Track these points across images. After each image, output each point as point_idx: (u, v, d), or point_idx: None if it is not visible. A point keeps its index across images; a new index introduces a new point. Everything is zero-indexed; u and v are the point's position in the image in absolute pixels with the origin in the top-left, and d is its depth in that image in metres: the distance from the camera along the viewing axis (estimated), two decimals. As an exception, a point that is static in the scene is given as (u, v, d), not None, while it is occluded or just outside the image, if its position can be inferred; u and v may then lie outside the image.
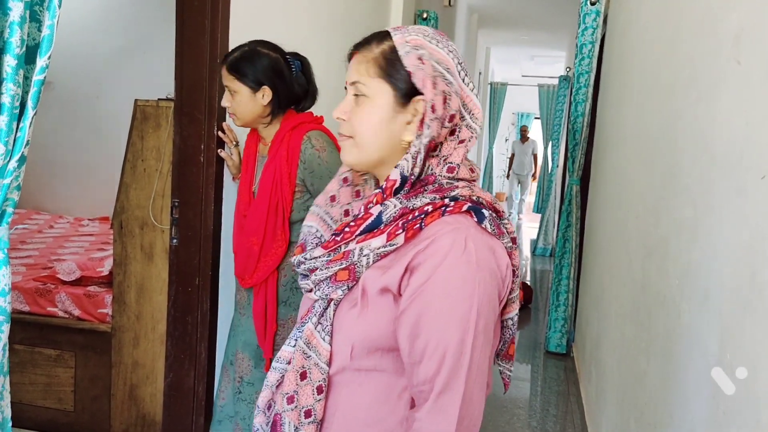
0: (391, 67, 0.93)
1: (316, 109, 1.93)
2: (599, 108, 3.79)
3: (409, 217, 0.90)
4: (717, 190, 1.31)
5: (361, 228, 0.92)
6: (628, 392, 2.10)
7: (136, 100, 2.37)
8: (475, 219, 0.89)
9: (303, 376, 0.92)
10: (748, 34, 1.22)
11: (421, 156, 0.91)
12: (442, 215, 0.88)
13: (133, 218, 2.34)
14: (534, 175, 10.83)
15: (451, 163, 0.94)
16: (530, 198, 11.54)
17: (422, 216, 0.89)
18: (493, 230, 0.89)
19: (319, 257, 0.95)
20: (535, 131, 12.31)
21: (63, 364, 2.58)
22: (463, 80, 0.95)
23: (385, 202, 0.92)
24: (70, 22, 3.63)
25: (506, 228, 0.93)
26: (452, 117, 0.93)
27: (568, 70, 4.81)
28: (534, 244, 7.85)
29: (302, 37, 2.51)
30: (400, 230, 0.89)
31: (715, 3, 1.48)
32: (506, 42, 10.55)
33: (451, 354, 0.84)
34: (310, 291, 0.97)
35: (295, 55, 1.88)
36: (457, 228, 0.87)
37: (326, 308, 0.94)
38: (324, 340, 0.93)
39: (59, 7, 1.03)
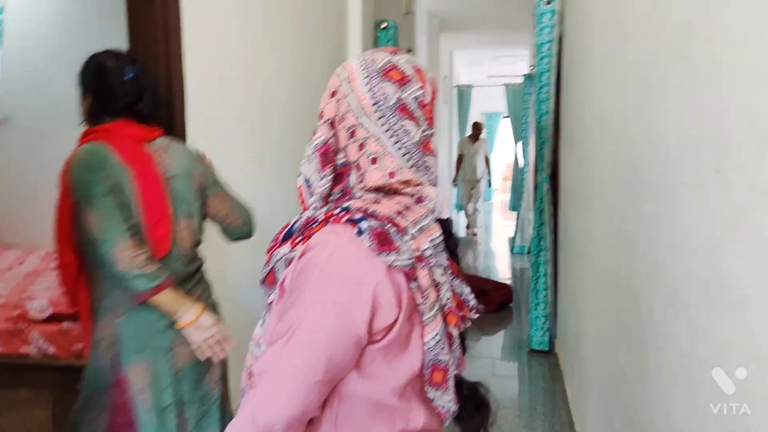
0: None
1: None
2: (563, 105, 3.83)
3: (309, 225, 0.95)
4: (676, 185, 1.33)
5: (282, 235, 0.99)
6: (609, 388, 2.12)
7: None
8: (355, 231, 0.89)
9: (251, 375, 0.93)
10: (694, 29, 1.24)
11: (315, 158, 0.98)
12: (326, 224, 0.92)
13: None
14: (489, 181, 9.46)
15: (360, 171, 0.98)
16: (505, 196, 11.53)
17: (314, 225, 0.94)
18: (371, 245, 0.87)
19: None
20: (505, 130, 12.39)
21: (40, 405, 2.52)
22: (363, 82, 0.97)
23: (304, 212, 0.99)
24: (27, 59, 3.58)
25: (406, 245, 0.90)
26: (344, 118, 0.99)
27: (531, 68, 4.83)
28: (512, 242, 7.89)
29: (261, 55, 2.50)
30: (300, 237, 0.94)
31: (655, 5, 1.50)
32: (469, 44, 10.64)
33: (269, 353, 0.88)
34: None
35: (132, 60, 1.74)
36: (327, 237, 0.89)
37: (267, 312, 0.99)
38: (264, 342, 0.97)
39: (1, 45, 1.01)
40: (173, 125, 1.97)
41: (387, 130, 0.96)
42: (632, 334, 1.75)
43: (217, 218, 1.90)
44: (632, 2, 1.84)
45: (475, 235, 9.02)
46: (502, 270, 7.09)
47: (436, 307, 0.93)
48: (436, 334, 0.92)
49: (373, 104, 0.96)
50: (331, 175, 0.98)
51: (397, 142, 0.96)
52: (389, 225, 0.89)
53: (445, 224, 1.04)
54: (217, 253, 2.11)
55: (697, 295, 1.18)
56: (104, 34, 3.90)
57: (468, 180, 9.06)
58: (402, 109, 0.97)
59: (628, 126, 1.83)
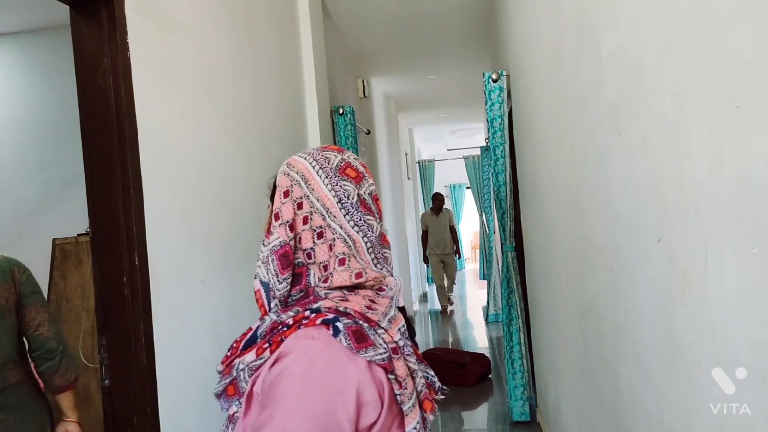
0: (274, 188, 1.03)
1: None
2: (519, 176, 3.94)
3: (276, 330, 0.91)
4: (624, 251, 1.37)
5: (243, 343, 0.94)
6: (591, 457, 2.09)
7: (54, 239, 2.32)
8: (331, 332, 0.87)
9: None
10: (623, 106, 1.31)
11: (272, 261, 0.95)
12: (299, 328, 0.89)
13: (62, 361, 2.22)
14: (457, 252, 8.93)
15: (326, 271, 0.96)
16: (474, 266, 11.56)
17: (284, 329, 0.90)
18: (349, 344, 0.86)
19: (219, 371, 0.97)
20: (469, 201, 12.60)
21: None
22: (324, 182, 0.98)
23: (265, 317, 0.95)
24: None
25: (381, 338, 0.90)
26: (305, 219, 0.97)
27: (486, 141, 4.99)
28: (485, 311, 7.88)
29: (220, 149, 2.54)
30: (267, 344, 0.91)
31: (591, 78, 1.59)
32: (426, 121, 10.98)
33: None
34: (220, 405, 0.98)
35: None
36: (302, 342, 0.86)
37: (228, 425, 0.95)
38: None
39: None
40: (131, 231, 1.96)
41: (354, 226, 0.97)
42: (605, 401, 1.74)
43: (29, 327, 2.01)
44: (567, 82, 1.94)
45: (451, 310, 8.64)
46: (479, 340, 7.04)
47: (414, 396, 0.92)
48: (417, 423, 0.91)
49: (338, 203, 0.97)
50: (290, 278, 0.97)
51: (363, 237, 0.98)
52: (362, 321, 0.89)
53: (402, 311, 1.05)
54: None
55: (656, 360, 1.20)
56: (66, 144, 3.94)
57: (438, 254, 8.65)
58: (363, 204, 0.99)
59: (578, 195, 1.90)
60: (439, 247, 8.65)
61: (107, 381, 1.95)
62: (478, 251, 11.26)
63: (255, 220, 2.75)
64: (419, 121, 11.00)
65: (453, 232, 8.73)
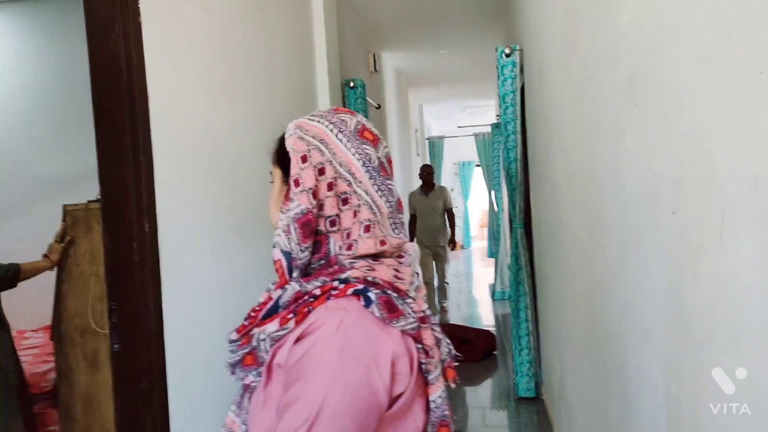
0: (280, 152, 0.98)
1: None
2: (530, 152, 3.91)
3: (301, 301, 0.89)
4: (636, 226, 1.36)
5: (263, 312, 0.91)
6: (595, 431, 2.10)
7: (64, 206, 2.33)
8: (362, 303, 0.86)
9: None
10: (641, 78, 1.29)
11: (295, 229, 0.91)
12: (328, 299, 0.87)
13: (73, 327, 2.25)
14: (452, 242, 6.93)
15: (350, 239, 0.93)
16: (482, 243, 11.54)
17: (311, 300, 0.88)
18: (381, 315, 0.85)
19: (233, 341, 0.94)
20: (478, 179, 12.55)
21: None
22: (346, 146, 0.94)
23: (286, 285, 0.92)
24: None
25: (410, 308, 0.89)
26: (330, 185, 0.93)
27: (497, 117, 4.85)
28: (492, 288, 7.90)
29: (230, 119, 2.53)
30: (292, 314, 0.88)
31: (608, 50, 1.57)
32: (437, 98, 10.90)
33: None
34: (232, 374, 0.96)
35: None
36: (335, 314, 0.84)
37: (243, 395, 0.93)
38: (243, 430, 0.92)
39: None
40: (141, 198, 1.96)
41: (377, 191, 0.94)
42: (611, 376, 1.75)
43: None
44: (582, 54, 1.91)
45: (444, 310, 7.08)
46: (484, 317, 7.06)
47: (439, 365, 0.92)
48: (442, 392, 0.91)
49: (362, 167, 0.93)
50: (311, 247, 0.93)
51: (386, 202, 0.95)
52: (391, 291, 0.88)
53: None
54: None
55: (665, 335, 1.20)
56: (77, 108, 3.94)
57: (428, 246, 6.65)
58: (382, 168, 0.96)
59: (590, 170, 1.88)
60: (429, 235, 6.63)
61: (117, 346, 1.97)
62: (486, 230, 11.24)
63: (265, 190, 2.74)
64: (429, 98, 10.92)
65: (450, 216, 6.73)
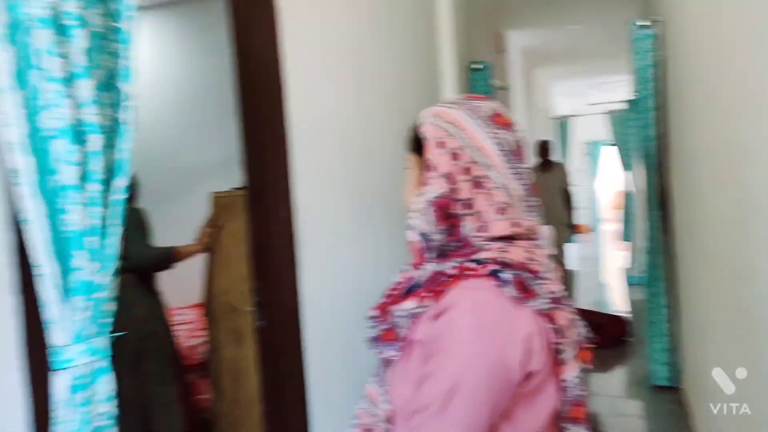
0: (415, 140, 1.02)
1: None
2: (671, 130, 3.68)
3: (437, 280, 0.92)
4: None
5: (403, 291, 0.96)
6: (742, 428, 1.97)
7: (213, 193, 2.53)
8: (497, 282, 0.88)
9: None
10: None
11: (431, 212, 0.95)
12: (464, 279, 0.89)
13: (221, 304, 2.45)
14: (575, 226, 6.20)
15: (484, 221, 0.94)
16: (614, 226, 11.00)
17: (447, 279, 0.91)
18: (515, 294, 0.87)
19: (373, 317, 0.99)
20: (611, 158, 11.94)
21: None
22: (480, 131, 0.96)
23: (423, 265, 0.96)
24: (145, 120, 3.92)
25: (544, 288, 0.90)
26: (467, 169, 0.95)
27: (635, 94, 4.50)
28: (627, 273, 7.54)
29: (358, 110, 2.61)
30: (429, 293, 0.92)
31: (765, 17, 1.45)
32: (566, 75, 10.50)
33: (427, 419, 0.85)
34: (372, 348, 1.00)
35: None
36: (471, 293, 0.87)
37: (383, 368, 0.98)
38: (383, 400, 0.96)
39: (131, 135, 1.15)
40: (280, 186, 2.09)
41: (511, 174, 0.96)
42: (761, 367, 1.63)
43: None
44: (731, 25, 1.78)
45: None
46: (616, 303, 6.78)
47: (573, 346, 0.93)
48: (576, 372, 0.93)
49: (497, 151, 0.95)
50: (445, 229, 0.96)
51: (520, 185, 0.97)
52: (524, 272, 0.90)
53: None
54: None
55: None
56: (218, 100, 4.24)
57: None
58: (516, 152, 0.98)
59: (738, 149, 1.75)
60: (548, 216, 5.42)
61: (261, 322, 2.13)
62: (619, 211, 10.68)
63: (394, 177, 2.81)
64: (557, 76, 10.54)
65: (567, 197, 6.00)
